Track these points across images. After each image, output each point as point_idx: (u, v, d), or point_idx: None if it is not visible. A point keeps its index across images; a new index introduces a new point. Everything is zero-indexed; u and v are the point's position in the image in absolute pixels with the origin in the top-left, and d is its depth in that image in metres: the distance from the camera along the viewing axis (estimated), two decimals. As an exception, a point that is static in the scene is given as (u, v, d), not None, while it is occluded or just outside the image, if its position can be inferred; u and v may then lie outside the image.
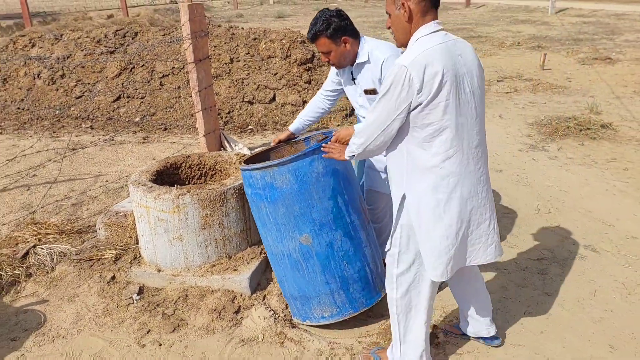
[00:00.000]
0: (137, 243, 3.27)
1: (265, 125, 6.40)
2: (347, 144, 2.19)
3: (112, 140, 5.95)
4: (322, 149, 2.35)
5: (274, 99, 6.70)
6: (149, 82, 6.98)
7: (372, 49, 2.61)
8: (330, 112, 6.58)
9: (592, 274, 3.06)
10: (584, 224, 3.66)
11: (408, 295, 2.19)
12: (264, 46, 7.11)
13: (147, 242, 3.02)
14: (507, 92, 8.19)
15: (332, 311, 2.60)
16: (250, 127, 6.39)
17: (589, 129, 5.76)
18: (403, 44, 2.04)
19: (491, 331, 2.44)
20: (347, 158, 2.14)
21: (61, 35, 7.80)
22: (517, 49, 12.12)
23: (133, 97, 6.89)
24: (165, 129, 6.40)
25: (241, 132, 6.27)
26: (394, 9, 2.00)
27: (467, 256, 2.12)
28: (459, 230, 2.03)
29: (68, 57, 7.37)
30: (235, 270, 2.95)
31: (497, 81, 8.89)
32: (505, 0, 24.09)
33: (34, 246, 3.34)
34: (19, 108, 7.04)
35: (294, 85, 6.79)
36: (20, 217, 3.99)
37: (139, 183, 3.00)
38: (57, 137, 6.12)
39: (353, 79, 2.71)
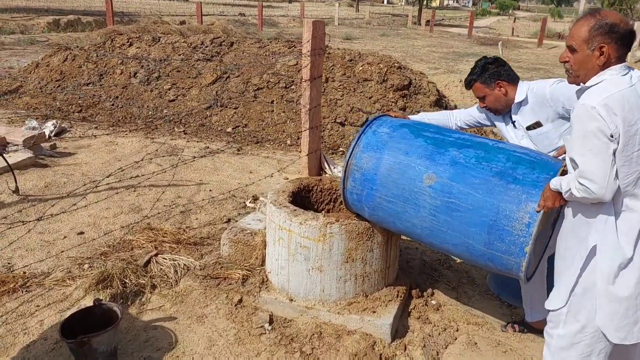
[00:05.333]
0: (263, 265, 3.10)
1: (358, 149, 6.21)
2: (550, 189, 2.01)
3: (208, 148, 5.88)
4: (536, 209, 2.09)
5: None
6: (243, 93, 6.95)
7: (530, 84, 2.61)
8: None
9: None
10: None
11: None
12: (361, 68, 6.97)
13: (282, 268, 2.84)
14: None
15: (526, 208, 2.07)
16: (341, 149, 6.23)
17: None
18: (583, 82, 1.93)
19: None
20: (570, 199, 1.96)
21: (159, 38, 7.90)
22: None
23: (226, 107, 6.85)
24: (257, 142, 6.30)
25: (332, 153, 6.11)
26: (585, 48, 1.86)
27: None
28: None
29: (165, 60, 7.44)
30: (374, 312, 2.73)
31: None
32: (579, 44, 23.46)
33: (156, 255, 3.21)
34: (113, 105, 7.11)
35: (388, 110, 6.60)
36: (131, 219, 3.90)
37: (281, 204, 2.84)
38: (152, 138, 6.11)
39: (513, 123, 2.59)
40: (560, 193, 1.98)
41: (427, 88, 7.04)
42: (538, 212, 2.05)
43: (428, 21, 29.58)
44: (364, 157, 2.49)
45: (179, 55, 7.53)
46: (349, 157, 2.52)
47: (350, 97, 6.70)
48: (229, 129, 6.60)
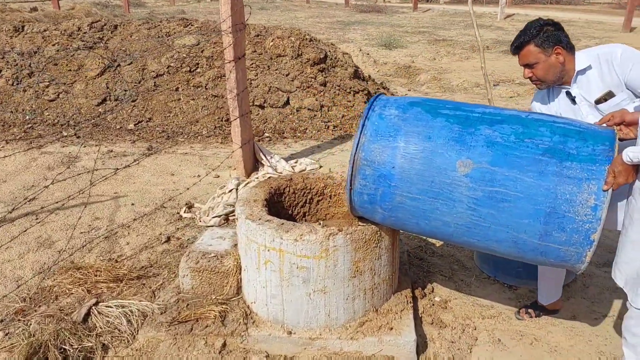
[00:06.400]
0: (239, 294, 2.53)
1: (283, 133, 5.69)
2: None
3: (112, 151, 4.98)
4: (603, 188, 1.74)
5: (287, 102, 5.99)
6: (140, 82, 6.03)
7: (593, 52, 2.17)
8: (353, 118, 5.99)
9: None
10: None
11: None
12: (271, 44, 6.38)
13: (272, 296, 2.29)
14: (511, 97, 8.01)
15: (590, 188, 1.75)
16: (266, 134, 5.66)
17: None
18: None
19: None
20: None
21: (22, 27, 6.61)
22: (490, 53, 12.13)
23: (122, 100, 5.91)
24: (169, 137, 5.50)
25: (258, 140, 5.52)
26: None
27: None
28: None
29: (36, 53, 6.22)
30: (391, 328, 2.30)
31: (494, 85, 8.70)
32: (449, 5, 24.57)
33: (96, 303, 2.48)
34: (-24, 112, 5.82)
35: (309, 87, 6.13)
36: (44, 257, 3.06)
37: (261, 219, 2.27)
38: (38, 147, 5.05)
39: (572, 99, 2.21)
40: (634, 166, 1.67)
41: (344, 60, 6.65)
42: (605, 190, 1.73)
43: (302, -8, 29.14)
44: (374, 148, 2.00)
45: (53, 45, 6.35)
46: (355, 150, 2.02)
47: (265, 75, 6.10)
48: (131, 126, 5.70)
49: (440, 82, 9.04)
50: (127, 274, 2.82)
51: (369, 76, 7.35)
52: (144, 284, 2.77)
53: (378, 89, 6.88)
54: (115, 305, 2.47)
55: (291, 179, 2.74)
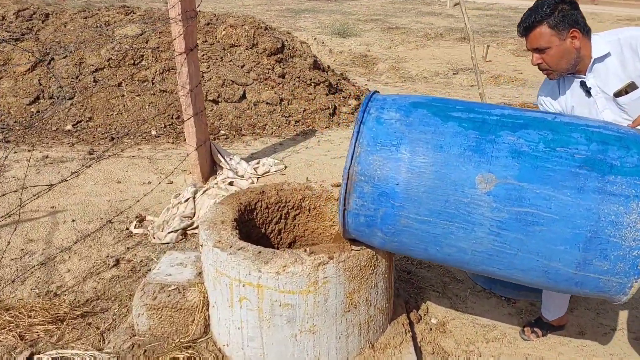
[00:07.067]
0: (207, 332, 2.12)
1: (241, 130, 5.24)
2: None
3: (47, 157, 4.39)
4: None
5: (244, 96, 5.54)
6: (77, 78, 5.40)
7: (612, 36, 1.87)
8: (315, 112, 5.62)
9: None
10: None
11: None
12: (224, 33, 5.88)
13: (250, 339, 1.90)
14: (472, 85, 7.84)
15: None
16: (222, 132, 5.19)
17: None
18: None
19: None
20: None
21: (-64, 15, 5.81)
22: (445, 40, 12.02)
23: (58, 98, 5.28)
24: (113, 138, 4.94)
25: (214, 138, 5.05)
26: None
27: None
28: None
29: (-48, 45, 5.47)
30: (391, 366, 1.97)
31: (453, 74, 8.53)
32: (398, -8, 24.44)
33: (31, 355, 2.01)
34: None
35: (266, 79, 5.69)
36: (-36, 296, 2.53)
37: (232, 246, 1.87)
38: (-41, 155, 4.39)
39: (587, 91, 1.91)
40: None
41: (302, 49, 6.24)
42: None
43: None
44: (372, 160, 1.63)
45: (-27, 36, 5.61)
46: (350, 162, 1.65)
47: (218, 67, 5.61)
48: (69, 127, 5.09)
49: (399, 71, 8.79)
50: (68, 312, 2.35)
51: (329, 67, 6.98)
52: (89, 324, 2.31)
53: (339, 80, 6.52)
54: (54, 357, 2.01)
55: (263, 191, 2.34)
